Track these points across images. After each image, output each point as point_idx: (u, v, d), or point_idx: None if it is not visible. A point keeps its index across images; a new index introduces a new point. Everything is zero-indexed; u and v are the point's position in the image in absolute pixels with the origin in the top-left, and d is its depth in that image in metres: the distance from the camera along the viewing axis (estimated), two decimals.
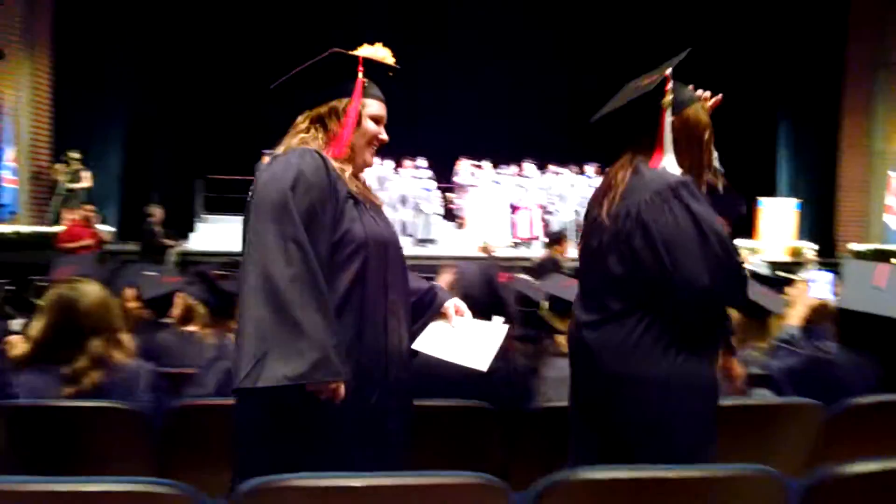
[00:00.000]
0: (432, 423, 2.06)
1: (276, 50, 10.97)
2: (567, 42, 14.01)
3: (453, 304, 2.07)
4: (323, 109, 1.95)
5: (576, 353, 2.00)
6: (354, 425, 1.76)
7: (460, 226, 12.29)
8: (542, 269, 6.03)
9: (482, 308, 2.16)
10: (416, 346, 1.96)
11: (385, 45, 2.05)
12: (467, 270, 2.46)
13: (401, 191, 11.86)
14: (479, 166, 12.31)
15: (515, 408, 2.25)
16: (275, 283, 1.64)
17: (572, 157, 12.55)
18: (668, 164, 1.94)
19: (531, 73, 13.84)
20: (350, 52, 1.97)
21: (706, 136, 2.03)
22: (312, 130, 1.94)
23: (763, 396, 2.54)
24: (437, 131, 12.69)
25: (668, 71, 1.96)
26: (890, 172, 11.97)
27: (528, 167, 12.46)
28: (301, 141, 1.90)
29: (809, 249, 11.32)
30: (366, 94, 1.97)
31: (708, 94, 2.08)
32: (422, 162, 12.07)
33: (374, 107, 2.00)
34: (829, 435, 2.26)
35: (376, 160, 2.10)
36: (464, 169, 12.34)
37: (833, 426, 2.25)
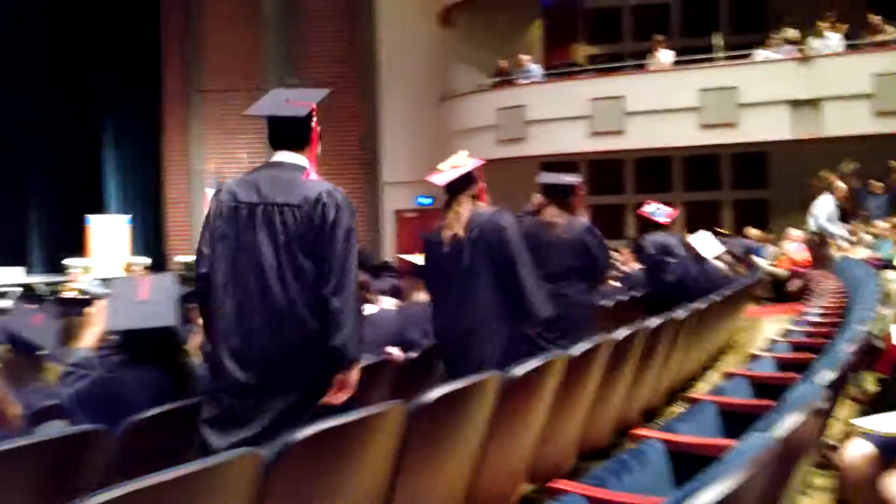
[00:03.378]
0: None
1: None
2: None
3: None
4: (475, 191, 3.47)
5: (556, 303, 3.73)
6: None
7: None
8: None
9: None
10: None
11: None
12: None
13: None
14: None
15: None
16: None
17: None
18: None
19: None
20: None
21: None
22: (479, 204, 3.48)
23: (52, 430, 2.35)
24: None
25: None
26: (206, 190, 13.21)
27: None
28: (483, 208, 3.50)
29: (140, 264, 11.56)
30: None
31: None
32: None
33: None
34: (119, 455, 2.21)
35: None
36: None
37: (119, 446, 2.21)
